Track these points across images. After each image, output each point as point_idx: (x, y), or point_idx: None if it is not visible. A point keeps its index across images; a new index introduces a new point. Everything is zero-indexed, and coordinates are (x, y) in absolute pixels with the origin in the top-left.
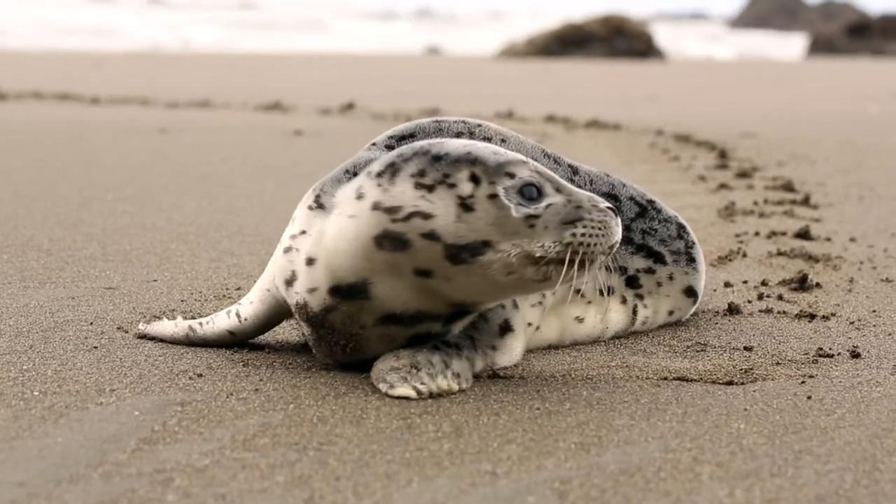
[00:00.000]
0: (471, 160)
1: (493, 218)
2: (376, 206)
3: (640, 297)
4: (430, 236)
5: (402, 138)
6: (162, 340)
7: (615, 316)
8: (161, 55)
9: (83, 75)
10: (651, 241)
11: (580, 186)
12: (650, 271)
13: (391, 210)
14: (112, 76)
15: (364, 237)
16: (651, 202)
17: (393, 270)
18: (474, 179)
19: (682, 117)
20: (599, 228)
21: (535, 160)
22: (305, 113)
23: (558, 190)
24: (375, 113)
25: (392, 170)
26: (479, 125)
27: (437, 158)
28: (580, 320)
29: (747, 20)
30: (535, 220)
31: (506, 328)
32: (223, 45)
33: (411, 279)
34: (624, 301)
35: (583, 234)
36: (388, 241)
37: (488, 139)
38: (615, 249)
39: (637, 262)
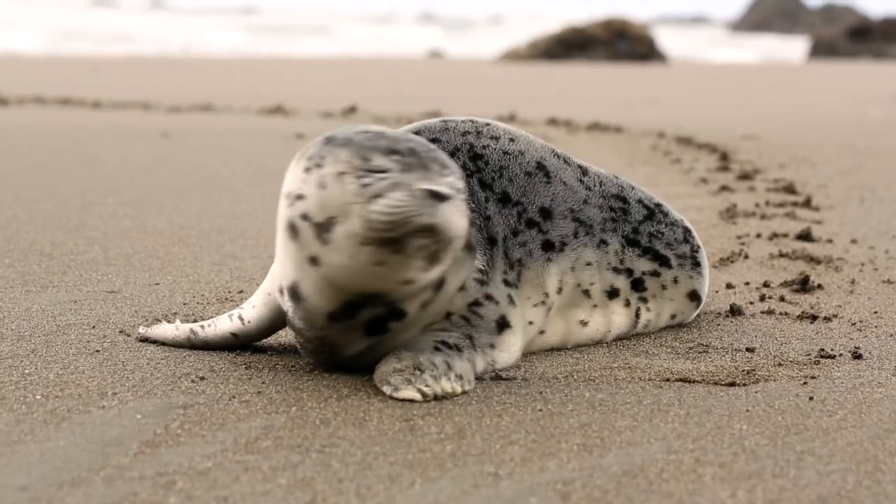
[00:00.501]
0: (343, 144)
1: (338, 192)
2: (284, 195)
3: (644, 300)
4: (305, 217)
5: None
6: (163, 344)
7: (618, 319)
8: (162, 59)
9: (84, 80)
10: (658, 245)
11: (589, 188)
12: (655, 274)
13: (288, 195)
14: (113, 81)
15: (280, 230)
16: (658, 205)
17: (300, 264)
18: (337, 161)
19: (684, 120)
20: (408, 205)
21: (545, 160)
22: (307, 116)
23: (405, 170)
24: (377, 116)
25: (298, 157)
26: (488, 124)
27: (326, 143)
28: (584, 324)
29: (749, 24)
30: (363, 191)
31: (503, 325)
32: (225, 48)
33: (312, 271)
34: (627, 304)
35: (387, 206)
36: (291, 230)
37: (496, 138)
38: (445, 236)
39: (643, 265)
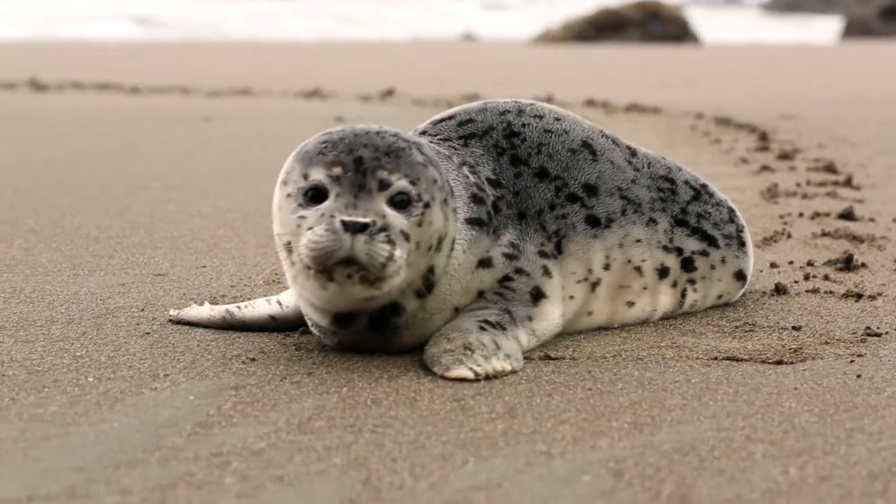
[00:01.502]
0: (300, 157)
1: (287, 217)
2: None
3: (692, 281)
4: (276, 233)
5: (440, 121)
6: (196, 325)
7: (664, 299)
8: (199, 44)
9: (122, 65)
10: (705, 225)
11: (638, 169)
12: (704, 254)
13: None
14: (150, 65)
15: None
16: (704, 186)
17: (289, 280)
18: (289, 180)
19: (721, 100)
20: (325, 240)
21: (592, 140)
22: (345, 99)
23: (337, 196)
24: (416, 99)
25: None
26: (532, 104)
27: (294, 153)
28: (631, 304)
29: (781, 4)
30: (301, 222)
31: (538, 295)
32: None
33: (294, 288)
34: (674, 284)
35: (309, 241)
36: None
37: (539, 116)
38: (367, 265)
39: (692, 245)
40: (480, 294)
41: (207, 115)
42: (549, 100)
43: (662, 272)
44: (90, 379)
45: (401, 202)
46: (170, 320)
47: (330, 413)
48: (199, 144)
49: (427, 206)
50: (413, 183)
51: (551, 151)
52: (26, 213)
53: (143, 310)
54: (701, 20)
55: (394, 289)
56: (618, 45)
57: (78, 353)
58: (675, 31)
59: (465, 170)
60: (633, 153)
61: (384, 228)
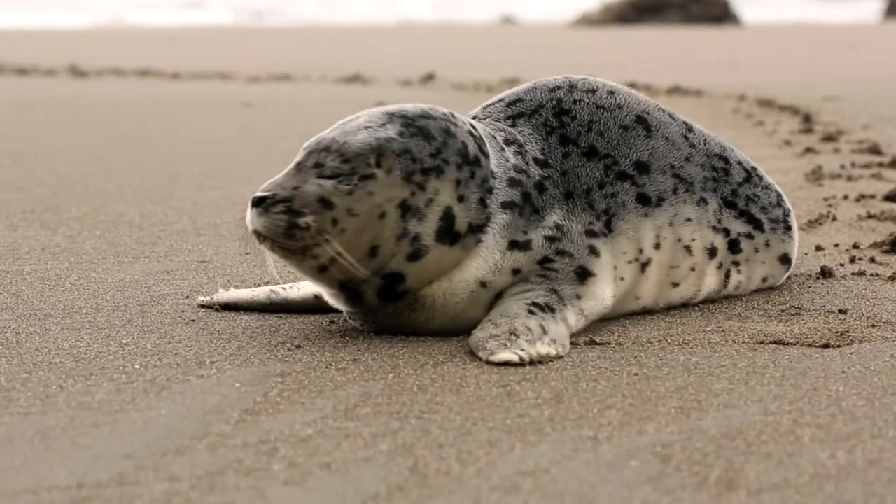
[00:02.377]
0: None
1: None
2: None
3: (736, 263)
4: None
5: (491, 104)
6: (237, 308)
7: (709, 280)
8: (238, 29)
9: (161, 51)
10: (753, 208)
11: (694, 145)
12: (749, 237)
13: None
14: (190, 51)
15: None
16: (754, 168)
17: None
18: None
19: (763, 82)
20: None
21: (647, 114)
22: (386, 84)
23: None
24: (456, 83)
25: None
26: (584, 79)
27: None
28: (676, 285)
29: None
30: None
31: (584, 274)
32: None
33: None
34: (720, 266)
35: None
36: None
37: (592, 91)
38: (268, 236)
39: (739, 227)
40: (516, 273)
41: (248, 100)
42: None
43: (711, 252)
44: (137, 366)
45: (333, 174)
46: (200, 304)
47: (376, 399)
48: (240, 131)
49: (367, 177)
50: (347, 160)
51: (602, 129)
52: (69, 200)
53: (187, 297)
54: (741, 0)
55: (329, 254)
56: (658, 27)
57: (124, 341)
58: (716, 12)
59: (510, 151)
60: (690, 128)
61: (287, 200)
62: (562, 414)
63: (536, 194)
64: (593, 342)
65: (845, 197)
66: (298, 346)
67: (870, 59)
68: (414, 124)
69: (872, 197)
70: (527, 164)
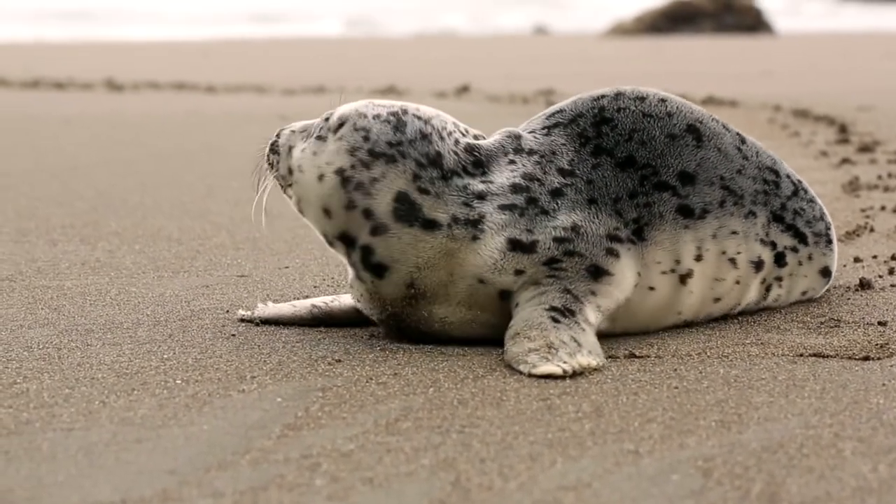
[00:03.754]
0: None
1: None
2: None
3: (780, 277)
4: None
5: (535, 118)
6: (277, 323)
7: (750, 293)
8: (270, 42)
9: (196, 64)
10: (799, 222)
11: (747, 157)
12: (795, 250)
13: None
14: (224, 64)
15: None
16: (800, 181)
17: None
18: None
19: (798, 92)
20: None
21: (700, 124)
22: (420, 96)
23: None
24: (490, 95)
25: None
26: (634, 88)
27: None
28: (718, 299)
29: None
30: None
31: (597, 273)
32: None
33: None
34: (764, 280)
35: None
36: None
37: (641, 99)
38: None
39: (786, 240)
40: (520, 273)
41: (283, 113)
42: None
43: (758, 265)
44: (178, 381)
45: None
46: (241, 319)
47: (417, 414)
48: None
49: (321, 139)
50: (326, 119)
51: (645, 138)
52: (108, 214)
53: (227, 311)
54: (775, 9)
55: (295, 204)
56: (691, 37)
57: (165, 356)
58: (750, 21)
59: (528, 160)
60: (743, 140)
61: (277, 137)
62: (602, 428)
63: (548, 199)
64: (633, 355)
65: (882, 208)
66: (339, 361)
67: None
68: (400, 117)
69: None
70: (544, 172)
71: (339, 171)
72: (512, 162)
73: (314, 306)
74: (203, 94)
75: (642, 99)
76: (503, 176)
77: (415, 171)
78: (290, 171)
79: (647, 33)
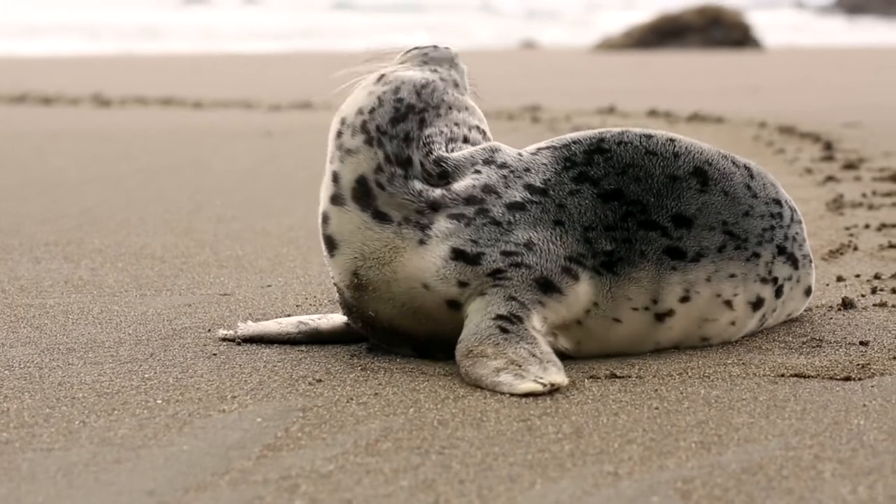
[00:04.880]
0: None
1: None
2: None
3: (775, 309)
4: None
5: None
6: (262, 340)
7: (750, 325)
8: (258, 56)
9: (184, 79)
10: (795, 248)
11: (756, 194)
12: (790, 279)
13: None
14: (212, 79)
15: None
16: (790, 201)
17: None
18: None
19: (784, 108)
20: None
21: (708, 166)
22: None
23: None
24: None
25: None
26: (645, 128)
27: None
28: (705, 338)
29: (846, 6)
30: None
31: (547, 286)
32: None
33: None
34: (763, 316)
35: None
36: None
37: (648, 137)
38: None
39: (785, 271)
40: (464, 285)
41: (270, 129)
42: (612, 110)
43: (756, 304)
44: (159, 401)
45: None
46: (222, 338)
47: (397, 434)
48: (261, 160)
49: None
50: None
51: (641, 175)
52: (92, 232)
53: (209, 330)
54: (763, 24)
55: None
56: (679, 52)
57: (146, 375)
58: (737, 36)
59: (494, 173)
60: (751, 174)
61: None
62: (582, 449)
63: (503, 212)
64: (614, 375)
65: (867, 226)
66: (319, 381)
67: (892, 83)
68: (402, 107)
69: (894, 226)
70: (507, 186)
71: (336, 131)
72: (477, 172)
73: (301, 322)
74: (190, 110)
75: (649, 137)
76: (462, 185)
77: (378, 163)
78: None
79: (635, 48)
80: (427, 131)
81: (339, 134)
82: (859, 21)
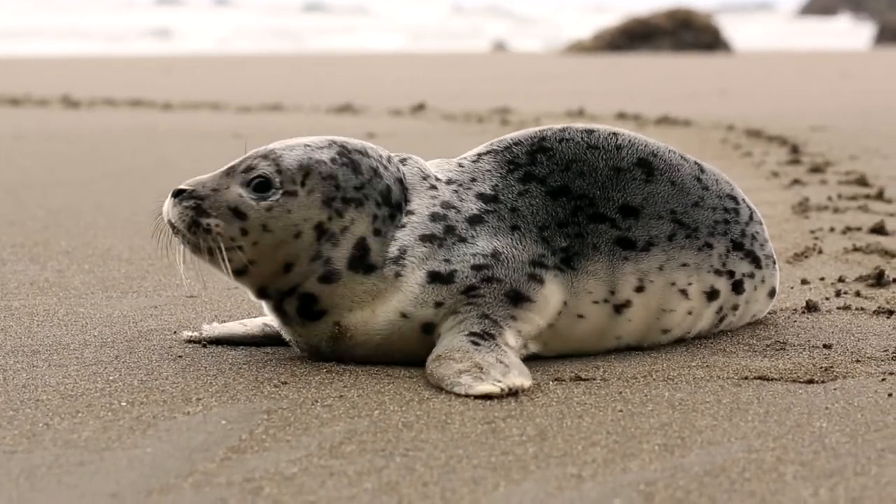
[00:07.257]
0: None
1: None
2: None
3: (736, 305)
4: None
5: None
6: (227, 342)
7: (702, 322)
8: (229, 58)
9: (153, 81)
10: (755, 246)
11: (706, 188)
12: (751, 276)
13: None
14: (182, 81)
15: None
16: (747, 201)
17: None
18: None
19: (753, 112)
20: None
21: (653, 157)
22: (377, 115)
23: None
24: (446, 113)
25: None
26: (587, 124)
27: None
28: (666, 331)
29: (814, 9)
30: None
31: (517, 298)
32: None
33: None
34: (720, 309)
35: None
36: None
37: (589, 132)
38: (183, 229)
39: (744, 267)
40: (439, 305)
41: (238, 131)
42: (581, 112)
43: (711, 295)
44: (123, 403)
45: (258, 185)
46: (188, 340)
47: (361, 437)
48: (229, 161)
49: (290, 194)
50: (279, 171)
51: (585, 169)
52: (59, 233)
53: (175, 332)
54: (733, 26)
55: (242, 261)
56: (649, 55)
57: (111, 377)
58: (707, 39)
59: (446, 189)
60: (702, 169)
61: (200, 198)
62: (546, 451)
63: (466, 227)
64: (579, 378)
65: (832, 229)
66: (285, 383)
67: (859, 87)
68: (349, 156)
69: (858, 230)
70: (461, 200)
71: (318, 226)
72: (432, 188)
73: (266, 325)
74: (159, 111)
75: (590, 132)
76: (422, 206)
77: (374, 213)
78: (245, 232)
79: (605, 51)
80: (372, 154)
81: (322, 234)
82: (830, 23)
